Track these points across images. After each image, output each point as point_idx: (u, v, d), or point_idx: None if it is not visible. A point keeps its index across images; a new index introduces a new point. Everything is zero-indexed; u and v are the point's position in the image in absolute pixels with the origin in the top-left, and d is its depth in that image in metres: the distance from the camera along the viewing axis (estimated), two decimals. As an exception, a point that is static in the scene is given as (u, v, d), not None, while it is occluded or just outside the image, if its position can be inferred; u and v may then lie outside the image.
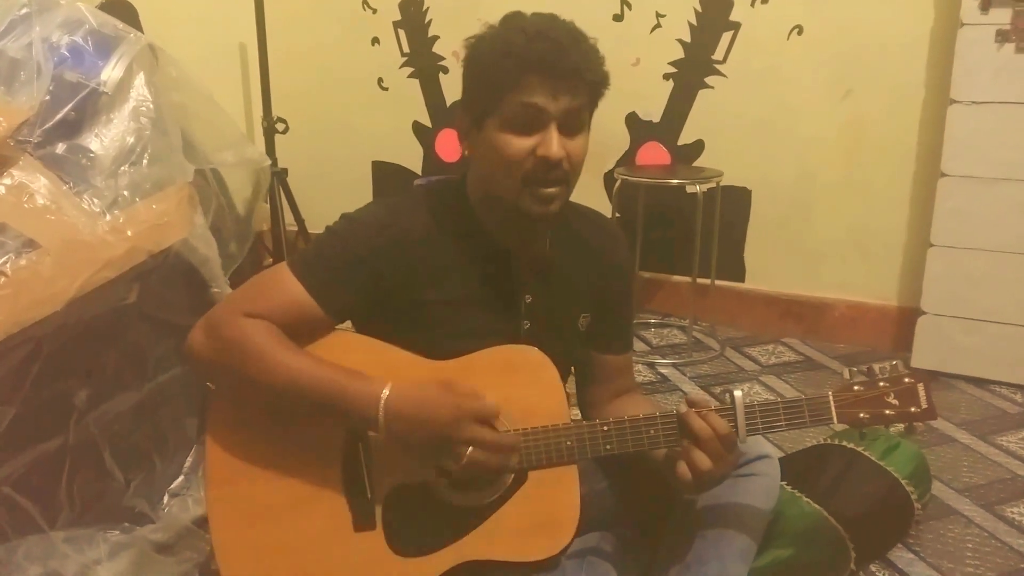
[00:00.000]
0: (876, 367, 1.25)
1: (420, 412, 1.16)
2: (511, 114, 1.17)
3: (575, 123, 1.20)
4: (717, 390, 2.55)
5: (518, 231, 1.30)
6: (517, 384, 1.26)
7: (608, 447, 1.24)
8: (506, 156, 1.18)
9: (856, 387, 1.23)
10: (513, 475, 1.25)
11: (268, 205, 3.24)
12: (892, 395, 1.22)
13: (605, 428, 1.23)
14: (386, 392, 1.16)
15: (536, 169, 1.18)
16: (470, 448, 1.16)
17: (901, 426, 1.24)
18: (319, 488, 1.22)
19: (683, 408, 1.21)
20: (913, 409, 1.22)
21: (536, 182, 1.19)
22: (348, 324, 1.32)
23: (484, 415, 1.18)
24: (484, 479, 1.24)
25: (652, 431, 1.23)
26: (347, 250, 1.23)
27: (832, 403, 1.22)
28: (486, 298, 1.31)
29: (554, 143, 1.17)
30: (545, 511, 1.25)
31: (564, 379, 1.31)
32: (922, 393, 1.22)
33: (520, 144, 1.18)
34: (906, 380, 1.23)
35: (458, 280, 1.29)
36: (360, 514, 1.23)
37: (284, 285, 1.22)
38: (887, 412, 1.22)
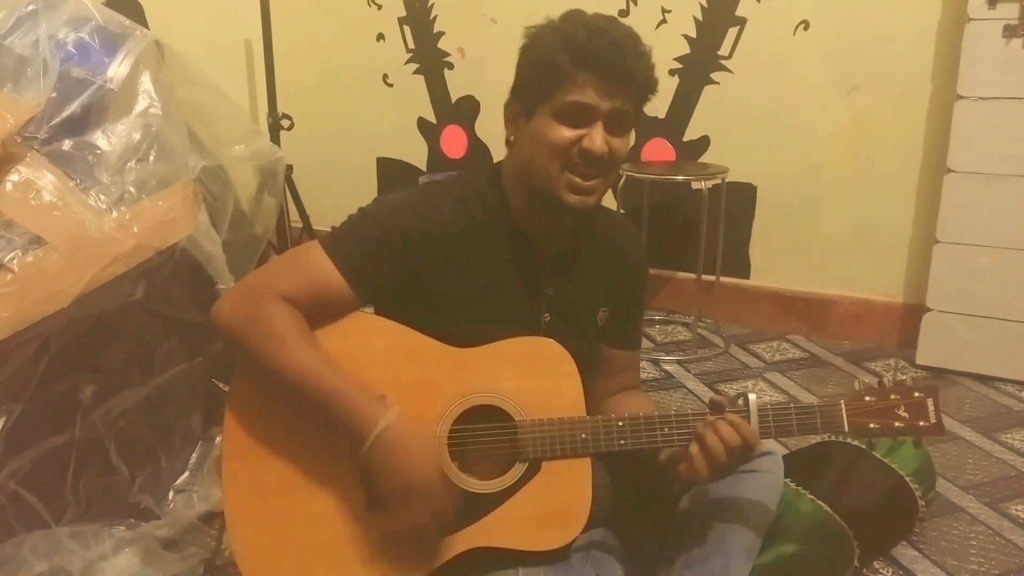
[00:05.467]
0: (887, 377, 1.25)
1: (402, 461, 1.16)
2: (562, 108, 1.21)
3: (621, 123, 1.24)
4: (724, 388, 2.55)
5: (548, 221, 1.32)
6: (536, 376, 1.28)
7: (622, 442, 1.24)
8: (551, 142, 1.22)
9: (867, 397, 1.24)
10: (527, 465, 1.26)
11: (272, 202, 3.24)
12: (902, 408, 1.23)
13: (620, 424, 1.25)
14: (384, 423, 1.16)
15: (577, 159, 1.22)
16: (411, 524, 1.18)
17: (909, 440, 1.25)
18: (333, 467, 1.23)
19: (708, 415, 1.22)
20: (922, 423, 1.23)
21: (574, 170, 1.23)
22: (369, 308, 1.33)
23: (442, 507, 1.19)
24: (499, 460, 1.25)
25: (667, 429, 1.24)
26: (380, 232, 1.25)
27: (844, 411, 1.23)
28: (509, 288, 1.33)
29: (598, 138, 1.21)
30: (557, 502, 1.26)
31: (582, 373, 1.32)
32: (931, 408, 1.23)
33: (566, 133, 1.21)
34: (916, 394, 1.24)
35: (483, 269, 1.30)
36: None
37: (316, 262, 1.23)
38: (896, 424, 1.23)
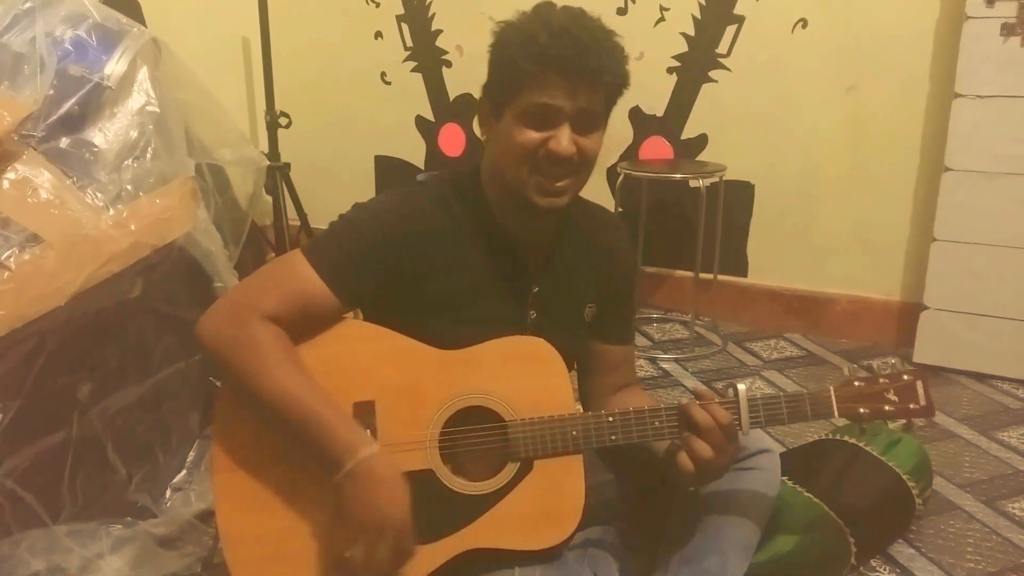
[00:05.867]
0: (876, 364, 1.26)
1: (375, 496, 1.14)
2: (527, 109, 1.19)
3: (589, 122, 1.22)
4: (720, 385, 2.55)
5: (526, 220, 1.31)
6: (524, 375, 1.27)
7: (613, 437, 1.25)
8: (517, 145, 1.20)
9: (857, 383, 1.24)
10: (519, 464, 1.26)
11: (271, 199, 3.24)
12: (892, 391, 1.24)
13: (611, 419, 1.25)
14: (364, 452, 1.14)
15: (544, 161, 1.21)
16: (366, 560, 1.14)
17: (900, 423, 1.25)
18: (324, 477, 1.22)
19: (687, 400, 1.22)
20: (912, 406, 1.23)
21: (543, 172, 1.22)
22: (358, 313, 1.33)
23: (404, 550, 1.15)
24: (491, 460, 1.24)
25: (657, 423, 1.24)
26: (360, 238, 1.24)
27: (834, 397, 1.23)
28: (494, 288, 1.32)
29: (564, 140, 1.19)
30: (550, 500, 1.26)
31: (570, 370, 1.32)
32: (921, 390, 1.24)
33: (532, 135, 1.20)
34: (905, 377, 1.24)
35: (468, 269, 1.30)
36: None
37: (298, 272, 1.23)
38: (886, 408, 1.23)
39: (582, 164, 1.24)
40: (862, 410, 1.23)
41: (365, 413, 1.24)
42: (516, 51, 1.18)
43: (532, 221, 1.31)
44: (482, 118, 1.30)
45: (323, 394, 1.18)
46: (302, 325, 1.22)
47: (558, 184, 1.23)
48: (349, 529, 1.15)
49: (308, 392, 1.17)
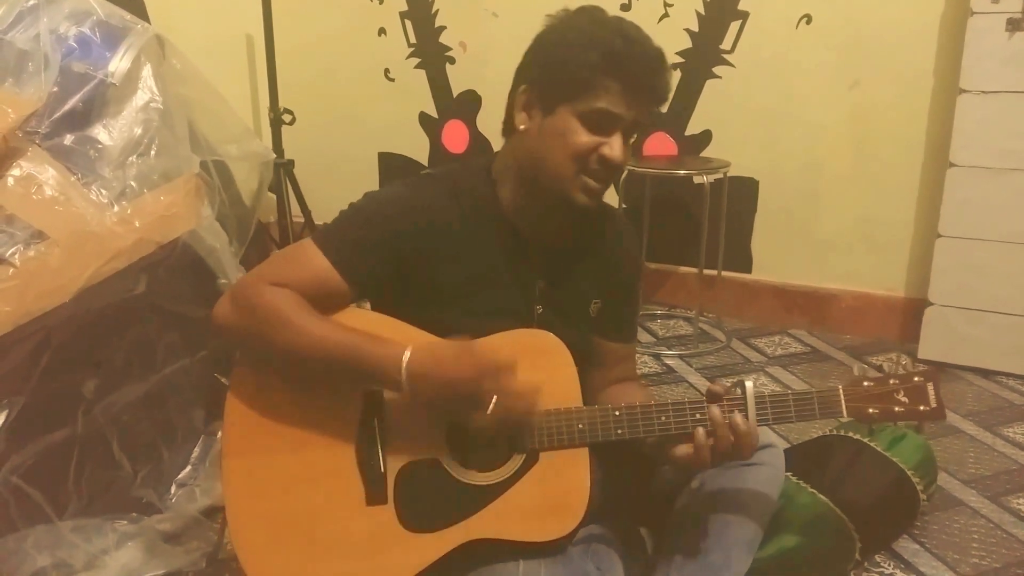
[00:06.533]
0: (886, 364, 1.25)
1: (441, 371, 1.17)
2: (588, 112, 1.21)
3: (634, 133, 1.27)
4: (727, 383, 2.54)
5: (542, 215, 1.32)
6: (531, 368, 1.27)
7: (619, 431, 1.25)
8: (573, 145, 1.22)
9: (866, 383, 1.24)
10: (524, 456, 1.26)
11: (275, 196, 3.24)
12: (902, 392, 1.23)
13: (617, 413, 1.25)
14: (407, 355, 1.17)
15: (596, 165, 1.24)
16: (495, 397, 1.17)
17: (911, 425, 1.24)
18: (333, 462, 1.24)
19: (709, 406, 1.23)
20: (922, 408, 1.23)
21: (590, 174, 1.24)
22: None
23: (502, 367, 1.18)
24: (497, 451, 1.26)
25: (663, 418, 1.24)
26: (370, 227, 1.26)
27: (842, 397, 1.23)
28: (501, 281, 1.33)
29: (618, 147, 1.23)
30: (555, 493, 1.26)
31: (577, 364, 1.32)
32: (931, 392, 1.23)
33: (588, 139, 1.22)
34: (916, 379, 1.23)
35: (475, 262, 1.31)
36: (372, 489, 1.24)
37: (309, 258, 1.25)
38: (896, 409, 1.23)
39: (621, 171, 1.28)
40: (871, 410, 1.23)
41: (374, 403, 1.25)
42: (586, 54, 1.19)
43: (552, 216, 1.32)
44: (522, 107, 1.28)
45: (345, 327, 1.21)
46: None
47: (600, 186, 1.26)
48: (458, 413, 1.21)
49: (332, 330, 1.20)
